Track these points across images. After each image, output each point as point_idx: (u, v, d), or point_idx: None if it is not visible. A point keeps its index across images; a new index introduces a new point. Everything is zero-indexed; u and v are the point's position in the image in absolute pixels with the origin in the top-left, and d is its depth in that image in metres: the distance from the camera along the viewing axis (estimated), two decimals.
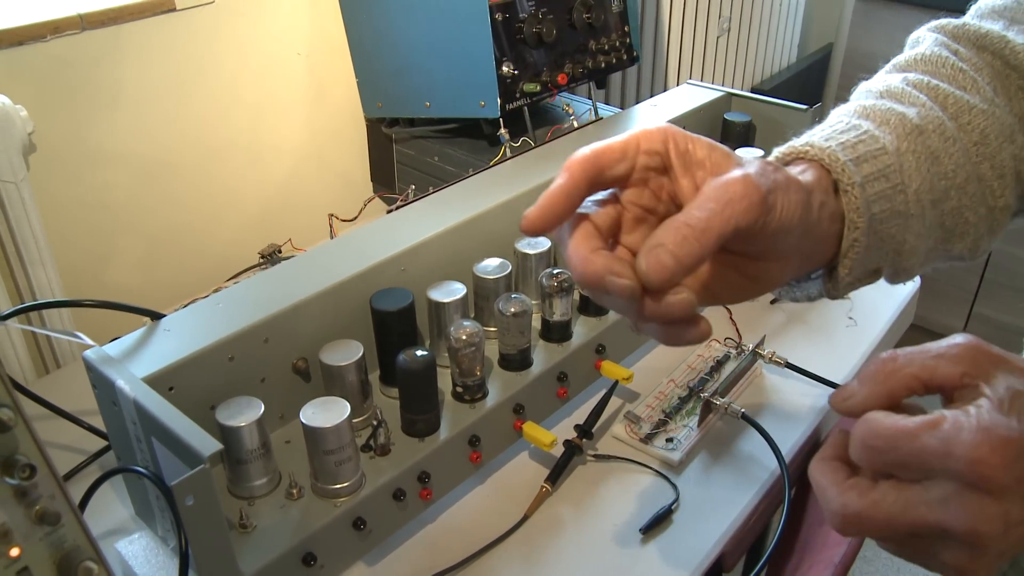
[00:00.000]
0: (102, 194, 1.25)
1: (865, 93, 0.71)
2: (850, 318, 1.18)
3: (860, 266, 0.62)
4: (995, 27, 0.73)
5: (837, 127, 0.65)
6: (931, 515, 0.45)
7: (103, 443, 0.94)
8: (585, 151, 0.55)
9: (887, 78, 0.72)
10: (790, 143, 0.64)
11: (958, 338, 0.50)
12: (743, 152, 0.66)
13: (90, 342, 0.76)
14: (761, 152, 1.17)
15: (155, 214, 1.33)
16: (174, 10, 1.26)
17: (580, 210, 0.56)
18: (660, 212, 0.58)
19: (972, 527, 0.44)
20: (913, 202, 0.63)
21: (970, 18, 0.75)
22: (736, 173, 0.52)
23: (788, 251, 0.58)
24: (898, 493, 0.46)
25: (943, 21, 0.75)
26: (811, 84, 3.05)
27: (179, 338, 0.78)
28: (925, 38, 0.75)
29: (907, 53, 0.75)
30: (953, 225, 0.68)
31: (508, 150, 1.25)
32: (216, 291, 1.07)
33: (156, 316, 0.82)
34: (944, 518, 0.45)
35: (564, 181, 0.54)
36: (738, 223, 0.51)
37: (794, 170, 0.60)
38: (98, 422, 0.85)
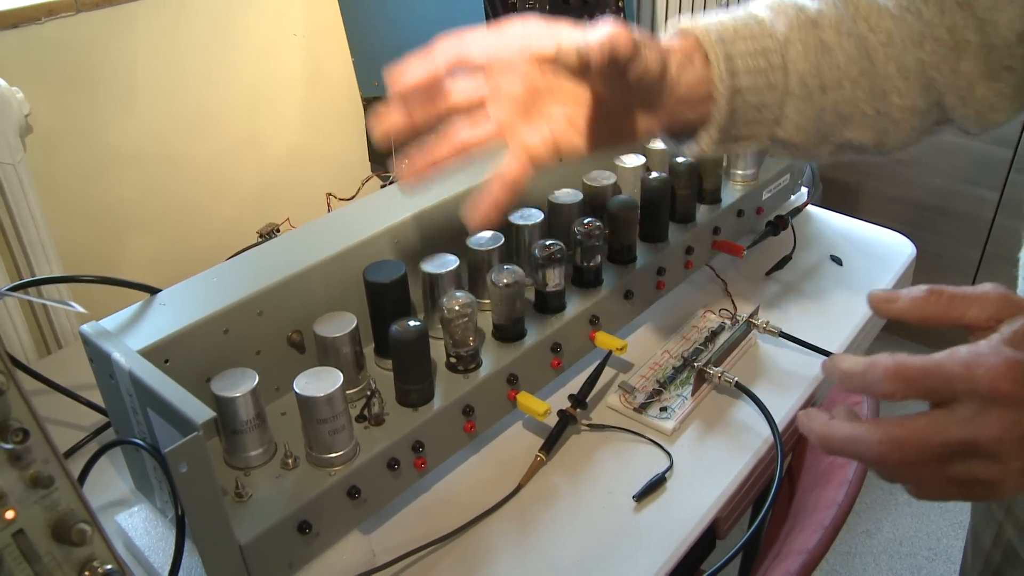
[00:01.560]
0: (99, 175, 1.26)
1: None
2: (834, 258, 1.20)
3: (734, 130, 0.76)
4: None
5: (733, 14, 0.76)
6: (961, 431, 0.51)
7: (103, 420, 0.95)
8: (455, 42, 0.70)
9: None
10: (683, 21, 0.76)
11: (989, 286, 0.57)
12: None
13: (81, 309, 0.77)
14: None
15: (152, 195, 1.34)
16: None
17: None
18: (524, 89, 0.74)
19: (996, 435, 0.50)
20: (796, 83, 0.76)
21: None
22: (608, 26, 0.64)
23: (653, 103, 0.73)
24: (929, 417, 0.52)
25: None
26: None
27: (174, 312, 0.79)
28: None
29: None
30: (849, 113, 0.79)
31: None
32: None
33: (153, 291, 0.83)
34: (972, 431, 0.51)
35: (429, 63, 0.70)
36: (616, 49, 0.63)
37: (674, 41, 0.74)
38: (97, 399, 0.86)
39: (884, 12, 0.78)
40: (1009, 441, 0.51)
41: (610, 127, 0.76)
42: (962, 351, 0.52)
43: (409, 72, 0.70)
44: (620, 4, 1.41)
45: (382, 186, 1.02)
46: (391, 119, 0.72)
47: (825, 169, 2.85)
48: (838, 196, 2.83)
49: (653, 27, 2.21)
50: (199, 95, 1.35)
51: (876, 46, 0.78)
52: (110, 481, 0.89)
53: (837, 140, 0.82)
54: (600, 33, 0.63)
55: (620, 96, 0.73)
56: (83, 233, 1.26)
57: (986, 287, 0.57)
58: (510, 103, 0.75)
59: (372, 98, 1.51)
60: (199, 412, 0.64)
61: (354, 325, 0.81)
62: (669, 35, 0.76)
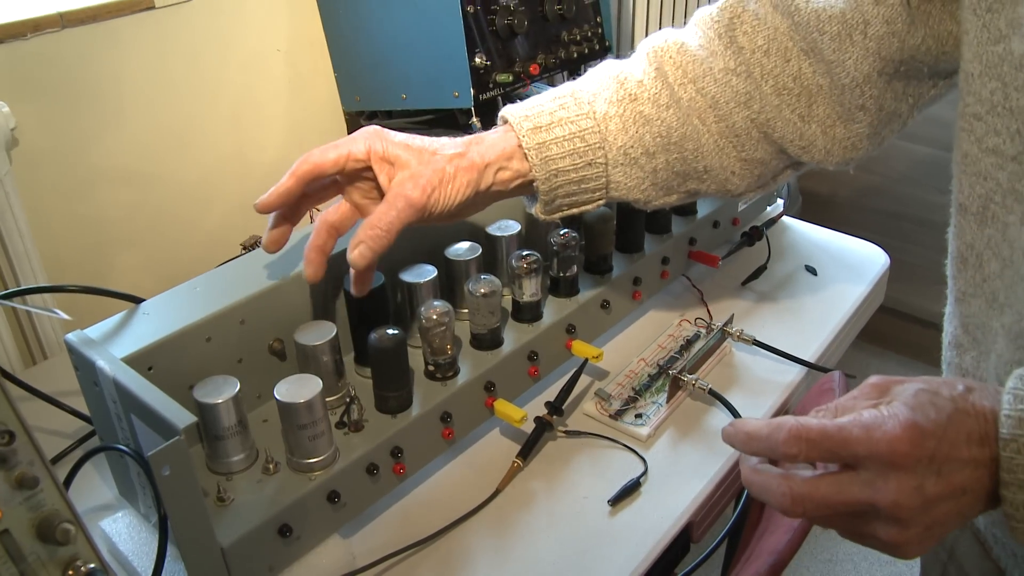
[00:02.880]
0: (85, 188, 1.28)
1: (608, 64, 0.89)
2: (808, 268, 1.24)
3: (558, 203, 0.87)
4: None
5: (557, 93, 0.86)
6: (860, 493, 0.54)
7: (88, 428, 0.97)
8: (308, 165, 0.81)
9: (648, 43, 0.89)
10: (508, 108, 0.86)
11: (871, 379, 0.60)
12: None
13: (66, 316, 0.79)
14: None
15: (138, 207, 1.35)
16: (153, 8, 1.29)
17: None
18: (369, 187, 0.84)
19: (894, 500, 0.53)
20: (617, 154, 0.85)
21: None
22: (408, 183, 0.79)
23: (467, 209, 0.84)
24: (833, 478, 0.56)
25: None
26: None
27: (158, 320, 0.80)
28: None
29: (704, 11, 0.89)
30: (684, 170, 0.88)
31: None
32: None
33: (137, 301, 0.85)
34: (870, 494, 0.54)
35: (288, 184, 0.81)
36: (408, 221, 0.79)
37: (490, 136, 0.84)
38: (81, 406, 0.87)
39: (710, 75, 0.85)
40: (908, 507, 0.53)
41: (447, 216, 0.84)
42: (865, 415, 0.55)
43: (277, 192, 0.82)
44: (598, 19, 1.44)
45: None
46: (277, 235, 0.86)
47: (802, 180, 2.88)
48: (814, 207, 2.86)
49: (632, 37, 2.24)
50: (184, 109, 1.37)
51: (702, 109, 0.86)
52: (95, 487, 0.91)
53: (681, 191, 0.90)
54: (388, 215, 0.78)
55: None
56: (69, 245, 1.28)
57: (868, 380, 0.60)
58: (358, 193, 0.85)
59: (354, 112, 1.53)
60: (181, 417, 0.66)
61: (334, 334, 0.83)
62: (498, 122, 0.88)
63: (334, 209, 0.85)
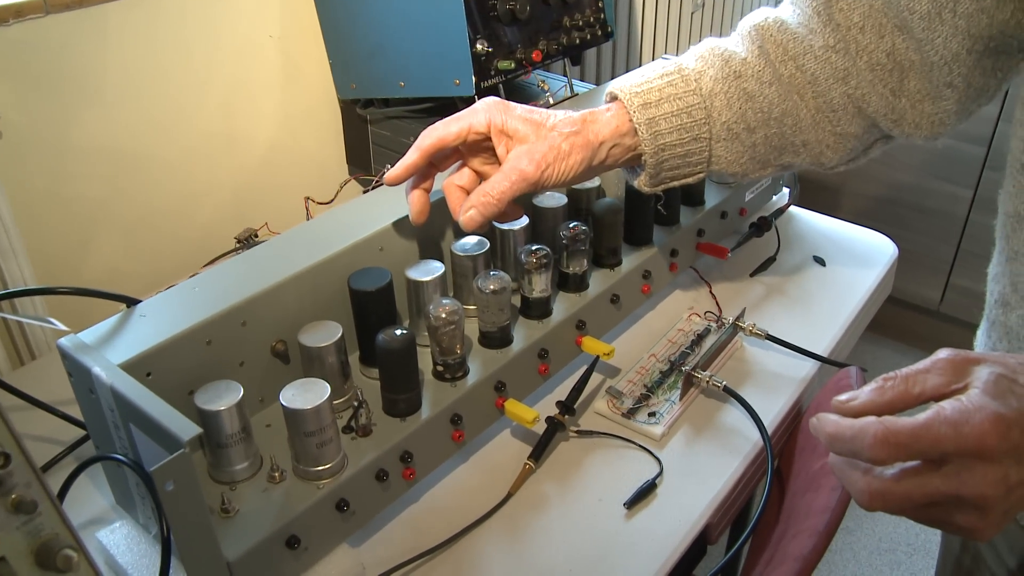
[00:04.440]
0: (73, 181, 1.24)
1: (711, 41, 0.93)
2: (817, 259, 1.23)
3: (664, 176, 0.91)
4: None
5: (665, 70, 0.90)
6: (945, 487, 0.54)
7: (80, 433, 0.93)
8: (431, 139, 0.87)
9: (749, 20, 0.92)
10: (616, 82, 0.91)
11: (941, 353, 0.58)
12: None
13: (63, 327, 0.75)
14: None
15: (128, 201, 1.31)
16: None
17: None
18: (490, 155, 0.90)
19: (980, 492, 0.53)
20: (720, 130, 0.90)
21: None
22: (524, 158, 0.83)
23: (576, 181, 0.88)
24: (915, 474, 0.55)
25: None
26: None
27: (155, 323, 0.77)
28: None
29: None
30: (780, 144, 0.92)
31: None
32: (192, 277, 1.06)
33: (131, 302, 0.81)
34: (957, 487, 0.53)
35: (414, 158, 0.87)
36: (519, 192, 0.84)
37: (605, 110, 0.89)
38: (74, 412, 0.84)
39: (810, 53, 0.88)
40: (994, 497, 0.53)
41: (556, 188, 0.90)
42: (947, 410, 0.54)
43: (404, 166, 0.88)
44: (600, 4, 1.40)
45: (364, 191, 1.01)
46: (417, 200, 0.89)
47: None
48: (814, 195, 2.84)
49: (629, 26, 2.21)
50: (174, 98, 1.33)
51: (802, 85, 0.89)
52: (88, 496, 0.87)
53: (776, 164, 0.95)
54: (501, 184, 0.83)
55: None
56: (56, 240, 1.24)
57: (938, 354, 0.59)
58: (478, 160, 0.91)
59: (350, 100, 1.49)
60: (185, 428, 0.63)
61: (340, 334, 0.79)
62: (606, 98, 0.92)
63: (459, 174, 0.91)
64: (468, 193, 0.87)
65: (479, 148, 0.90)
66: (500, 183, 0.83)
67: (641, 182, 0.92)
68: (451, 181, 0.90)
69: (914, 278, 2.75)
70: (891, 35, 0.84)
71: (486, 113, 0.86)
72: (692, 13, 2.44)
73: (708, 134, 0.90)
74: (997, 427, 0.52)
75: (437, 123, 0.88)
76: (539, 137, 0.85)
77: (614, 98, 0.90)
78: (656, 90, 0.88)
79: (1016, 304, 0.81)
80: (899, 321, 2.85)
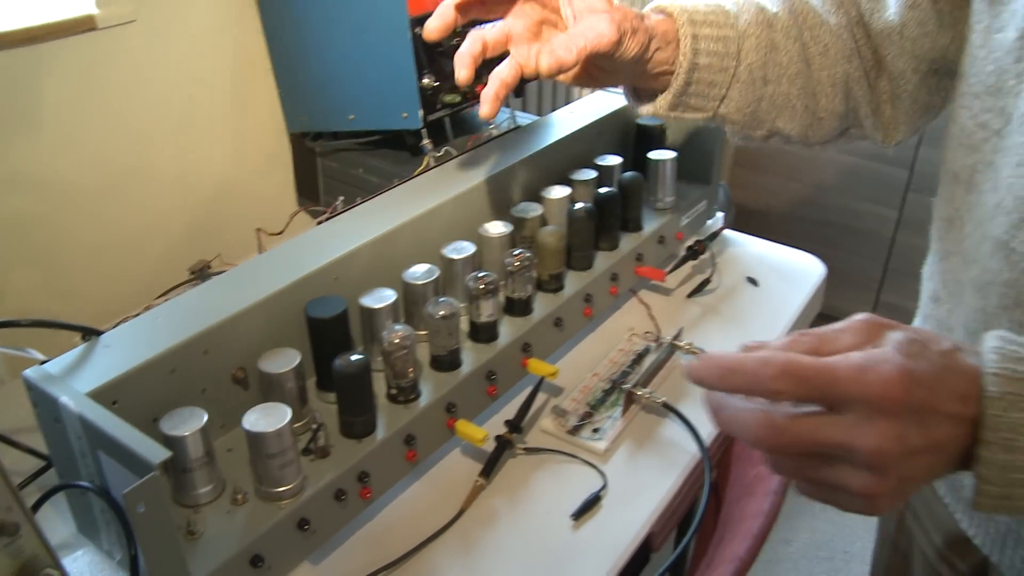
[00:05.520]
0: (27, 217, 1.26)
1: None
2: (750, 280, 1.29)
3: (685, 99, 0.93)
4: None
5: (707, 2, 0.93)
6: (843, 435, 0.53)
7: (40, 464, 0.95)
8: None
9: None
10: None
11: (857, 316, 0.59)
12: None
13: (41, 356, 0.78)
14: (674, 153, 1.23)
15: (81, 233, 1.34)
16: (95, 29, 1.28)
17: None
18: (535, 18, 0.93)
19: (877, 445, 0.52)
20: (744, 70, 0.93)
21: None
22: (605, 17, 0.83)
23: (624, 72, 0.92)
24: (814, 416, 0.54)
25: None
26: None
27: (120, 353, 0.80)
28: None
29: None
30: (783, 105, 0.96)
31: (431, 160, 1.29)
32: (147, 308, 1.09)
33: (90, 332, 0.84)
34: (852, 437, 0.53)
35: None
36: (598, 48, 0.83)
37: (654, 16, 0.90)
38: (32, 442, 0.86)
39: (826, 27, 0.94)
40: (889, 454, 0.52)
41: (588, 74, 0.93)
42: (855, 356, 0.54)
43: None
44: None
45: (318, 221, 1.04)
46: (443, 13, 0.91)
47: (735, 193, 2.94)
48: (748, 218, 2.93)
49: None
50: (127, 131, 1.36)
51: (815, 55, 0.94)
52: (50, 525, 0.89)
53: (770, 126, 0.98)
54: (585, 34, 0.83)
55: (602, 62, 0.89)
56: (14, 275, 1.26)
57: (854, 317, 0.59)
58: (522, 21, 0.93)
59: (300, 133, 1.53)
60: (154, 452, 0.66)
61: (298, 361, 0.83)
62: (651, 9, 0.93)
63: (492, 27, 0.92)
64: (485, 50, 0.92)
65: (527, 8, 0.93)
66: (576, 39, 0.83)
67: (658, 104, 0.94)
68: (479, 32, 0.92)
69: (845, 296, 2.84)
70: (876, 36, 0.93)
71: None
72: None
73: (734, 70, 0.93)
74: (903, 379, 0.52)
75: None
76: (611, 8, 0.86)
77: (661, 11, 0.93)
78: (702, 12, 0.92)
79: (946, 299, 0.88)
80: None
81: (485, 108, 0.90)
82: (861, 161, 2.73)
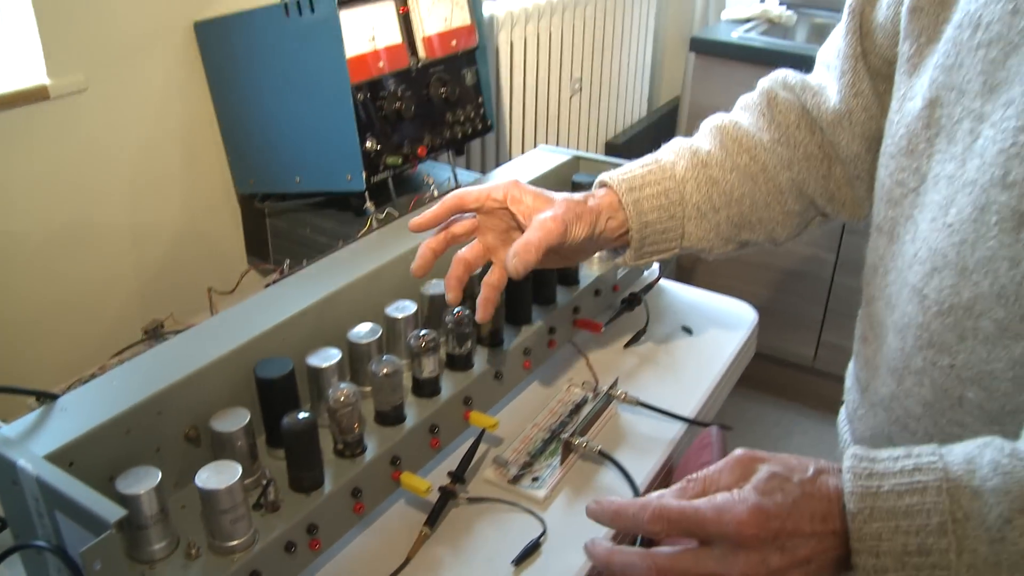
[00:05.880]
0: None
1: (679, 140, 1.11)
2: (685, 328, 1.35)
3: (645, 250, 1.05)
4: (812, 81, 1.07)
5: (644, 161, 1.07)
6: (714, 566, 0.64)
7: None
8: (454, 198, 0.99)
9: (710, 122, 1.12)
10: (604, 174, 1.06)
11: (735, 453, 0.71)
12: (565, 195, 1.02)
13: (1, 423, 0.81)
14: None
15: (33, 294, 1.36)
16: (47, 99, 1.32)
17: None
18: (502, 228, 1.02)
19: (742, 572, 0.64)
20: (691, 210, 1.05)
21: (793, 76, 1.09)
22: (549, 213, 0.94)
23: (581, 251, 1.04)
24: (692, 552, 0.66)
25: (782, 73, 1.10)
26: (662, 135, 3.20)
27: (76, 416, 0.83)
28: (760, 86, 1.12)
29: (745, 97, 1.14)
30: (740, 222, 1.08)
31: (374, 221, 1.34)
32: (102, 368, 1.13)
33: (46, 396, 0.87)
34: (722, 567, 0.64)
35: (437, 210, 0.99)
36: (551, 242, 0.93)
37: (598, 192, 1.03)
38: None
39: (760, 146, 1.07)
40: None
41: (558, 257, 1.03)
42: (718, 498, 0.66)
43: (427, 216, 1.00)
44: (480, 100, 1.53)
45: (266, 284, 1.09)
46: (424, 256, 1.00)
47: None
48: (694, 263, 3.01)
49: (511, 116, 2.34)
50: (79, 195, 1.40)
51: (755, 172, 1.07)
52: None
53: (737, 240, 1.10)
54: (536, 233, 0.93)
55: (559, 248, 0.98)
56: None
57: (734, 454, 0.70)
58: (492, 233, 1.02)
59: (248, 195, 1.58)
60: (110, 511, 0.70)
61: (248, 420, 0.87)
62: (596, 187, 1.06)
63: (468, 248, 1.02)
64: (470, 269, 1.01)
65: (491, 223, 1.02)
66: (535, 235, 0.93)
67: (627, 257, 1.06)
68: (460, 254, 1.01)
69: (788, 337, 2.93)
70: (819, 132, 1.05)
71: (503, 187, 0.99)
72: (571, 96, 2.59)
73: (682, 213, 1.05)
74: (755, 517, 0.63)
75: (459, 189, 1.01)
76: (554, 204, 0.98)
77: (603, 185, 1.05)
78: (639, 177, 1.04)
79: (872, 340, 0.96)
80: (778, 379, 3.02)
81: (480, 313, 1.00)
82: None
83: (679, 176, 1.05)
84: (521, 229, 0.98)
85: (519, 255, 0.92)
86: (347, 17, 1.32)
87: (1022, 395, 0.77)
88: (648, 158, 1.08)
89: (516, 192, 0.99)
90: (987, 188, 0.76)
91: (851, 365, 1.08)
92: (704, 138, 1.10)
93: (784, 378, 3.04)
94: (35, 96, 1.30)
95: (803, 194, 1.08)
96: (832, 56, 1.05)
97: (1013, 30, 0.75)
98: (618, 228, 1.02)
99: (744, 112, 1.11)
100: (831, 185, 1.07)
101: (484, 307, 0.99)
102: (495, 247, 1.02)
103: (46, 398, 0.87)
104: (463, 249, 1.02)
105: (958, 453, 0.65)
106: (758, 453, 0.70)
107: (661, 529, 0.66)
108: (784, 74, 1.10)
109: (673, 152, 1.09)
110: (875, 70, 1.00)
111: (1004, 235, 0.75)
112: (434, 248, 1.00)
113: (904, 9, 0.88)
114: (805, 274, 2.88)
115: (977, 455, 0.64)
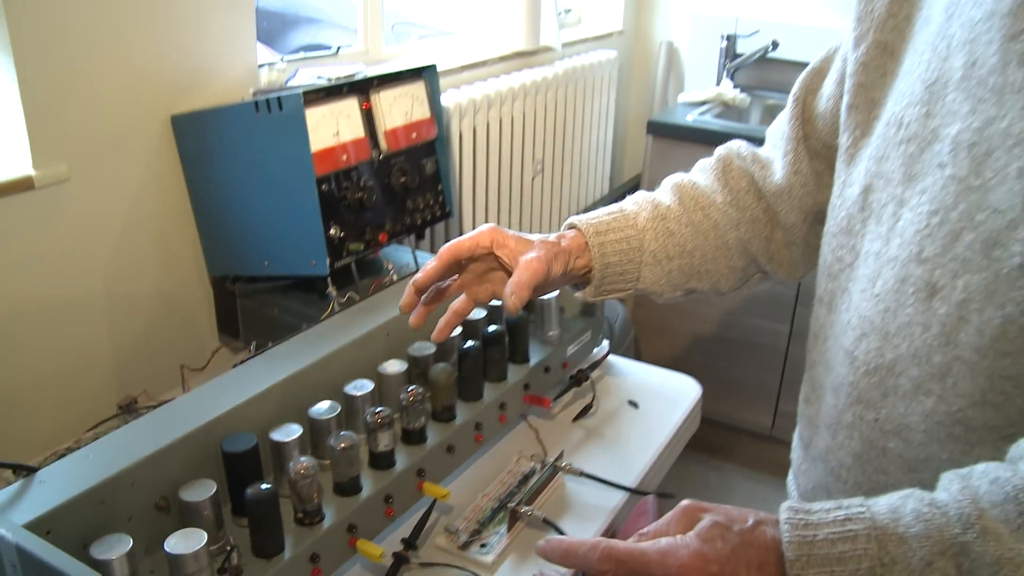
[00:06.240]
0: None
1: (643, 193, 1.23)
2: (631, 403, 1.43)
3: (604, 288, 1.16)
4: (761, 154, 1.21)
5: (610, 210, 1.18)
6: None
7: None
8: (449, 249, 1.07)
9: (671, 180, 1.24)
10: (574, 217, 1.17)
11: (683, 503, 0.77)
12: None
13: None
14: (556, 292, 1.38)
15: (11, 372, 1.42)
16: (32, 188, 1.40)
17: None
18: (481, 270, 1.12)
19: None
20: (648, 256, 1.16)
21: (745, 148, 1.23)
22: (533, 255, 1.05)
23: (549, 285, 1.10)
24: None
25: (737, 144, 1.24)
26: None
27: (54, 487, 0.91)
28: (717, 153, 1.25)
29: (703, 161, 1.26)
30: (689, 271, 1.19)
31: (336, 305, 1.43)
32: (77, 442, 1.20)
33: (23, 468, 0.94)
34: None
35: (435, 265, 1.06)
36: (538, 281, 1.03)
37: (568, 233, 1.14)
38: None
39: (714, 206, 1.19)
40: None
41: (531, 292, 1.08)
42: (663, 542, 0.72)
43: (428, 272, 1.07)
44: (439, 187, 1.63)
45: (235, 364, 1.17)
46: (417, 310, 1.10)
47: (642, 313, 3.12)
48: (655, 336, 3.11)
49: (474, 199, 2.44)
50: (58, 275, 1.46)
51: (707, 229, 1.19)
52: None
53: (685, 287, 1.21)
54: (526, 272, 1.03)
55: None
56: None
57: (680, 504, 0.77)
58: (470, 274, 1.13)
59: (220, 277, 1.66)
60: None
61: (214, 490, 0.95)
62: (565, 227, 1.17)
63: (457, 302, 1.13)
64: (460, 319, 1.13)
65: (477, 271, 1.12)
66: (523, 275, 1.03)
67: (587, 292, 1.17)
68: (452, 308, 1.12)
69: (747, 406, 3.02)
70: (764, 200, 1.18)
71: (489, 235, 1.08)
72: (533, 177, 2.70)
73: (640, 259, 1.16)
74: (696, 561, 0.70)
75: (451, 241, 1.09)
76: (535, 246, 1.08)
77: (572, 226, 1.16)
78: (606, 223, 1.15)
79: (814, 400, 1.07)
80: (739, 447, 3.10)
81: (437, 334, 1.12)
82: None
83: (640, 226, 1.16)
84: (505, 270, 1.09)
85: (516, 293, 1.01)
86: (313, 114, 1.43)
87: (933, 445, 0.87)
88: (614, 207, 1.20)
89: (500, 238, 1.08)
90: (906, 263, 0.88)
91: (797, 426, 1.19)
92: (665, 193, 1.22)
93: (743, 446, 3.12)
94: (21, 186, 1.38)
95: (747, 252, 1.20)
96: (778, 136, 1.19)
97: (926, 129, 0.88)
98: (583, 267, 1.13)
99: (701, 173, 1.23)
100: (772, 247, 1.19)
101: (444, 329, 1.11)
102: (469, 283, 1.13)
103: (25, 471, 0.95)
104: (452, 304, 1.13)
105: (883, 504, 0.73)
106: (703, 504, 0.77)
107: (609, 568, 0.71)
108: (738, 145, 1.24)
109: (636, 204, 1.20)
110: (814, 152, 1.14)
111: (919, 303, 0.86)
112: (431, 306, 1.11)
113: (843, 105, 1.02)
114: (762, 346, 2.98)
115: (900, 505, 0.72)
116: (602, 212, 1.18)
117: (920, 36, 0.92)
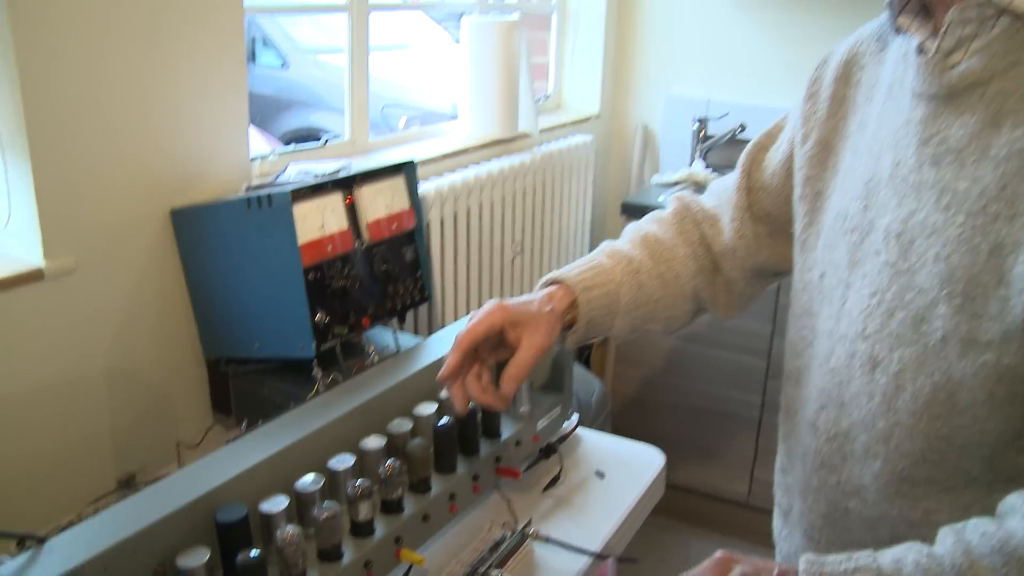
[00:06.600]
0: None
1: (612, 245, 1.34)
2: (598, 473, 1.53)
3: (583, 337, 1.25)
4: (709, 211, 1.35)
5: (589, 263, 1.28)
6: None
7: None
8: (466, 338, 1.14)
9: (637, 232, 1.36)
10: (556, 272, 1.27)
11: (716, 554, 0.89)
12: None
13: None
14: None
15: (16, 450, 1.50)
16: (42, 280, 1.51)
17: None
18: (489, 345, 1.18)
19: None
20: (623, 308, 1.26)
21: (695, 205, 1.36)
22: (537, 336, 1.14)
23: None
24: None
25: (688, 199, 1.37)
26: None
27: (61, 557, 0.99)
28: (672, 207, 1.38)
29: (657, 213, 1.39)
30: (651, 317, 1.30)
31: (321, 385, 1.53)
32: (79, 515, 1.29)
33: (33, 538, 1.03)
34: None
35: (456, 357, 1.14)
36: (536, 360, 1.14)
37: (556, 293, 1.22)
38: None
39: (677, 259, 1.31)
40: None
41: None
42: None
43: (450, 366, 1.15)
44: (418, 274, 1.74)
45: (227, 440, 1.27)
46: (461, 396, 1.19)
47: (619, 386, 3.22)
48: (631, 407, 3.20)
49: (456, 282, 2.54)
50: (62, 359, 1.56)
51: (669, 279, 1.30)
52: None
53: (642, 329, 1.32)
54: (529, 353, 1.14)
55: None
56: None
57: (715, 555, 0.89)
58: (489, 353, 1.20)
59: (214, 358, 1.77)
60: None
61: (207, 557, 1.04)
62: (546, 280, 1.27)
63: (473, 376, 1.18)
64: (480, 384, 1.18)
65: (488, 344, 1.19)
66: (524, 358, 1.13)
67: (569, 341, 1.26)
68: (469, 382, 1.19)
69: (722, 475, 3.10)
70: (712, 253, 1.31)
71: (500, 318, 1.15)
72: (512, 260, 2.82)
73: (616, 311, 1.26)
74: None
75: (463, 329, 1.16)
76: (537, 320, 1.16)
77: (554, 282, 1.25)
78: (590, 279, 1.25)
79: (788, 469, 1.20)
80: (715, 515, 3.17)
81: (459, 406, 1.20)
82: (726, 353, 3.04)
83: (617, 280, 1.27)
84: (509, 345, 1.17)
85: (514, 377, 1.13)
86: (300, 209, 1.55)
87: (884, 503, 1.00)
88: (592, 261, 1.29)
89: (508, 317, 1.16)
90: (853, 339, 1.01)
91: (775, 495, 1.31)
92: (635, 247, 1.32)
93: (720, 514, 3.18)
94: (32, 278, 1.48)
95: (697, 297, 1.33)
96: (724, 198, 1.33)
97: (865, 221, 1.02)
98: (568, 322, 1.23)
99: (660, 225, 1.35)
100: (715, 292, 1.33)
101: (463, 401, 1.19)
102: (488, 361, 1.21)
103: (36, 541, 1.04)
104: (470, 381, 1.20)
105: (888, 556, 0.85)
106: (735, 555, 0.88)
107: None
108: (689, 198, 1.37)
109: (610, 257, 1.30)
110: (757, 217, 1.29)
111: (864, 375, 1.00)
112: (460, 384, 1.19)
113: (795, 196, 1.17)
114: (735, 416, 3.08)
115: (903, 556, 0.84)
116: (584, 266, 1.28)
117: (856, 137, 1.07)
